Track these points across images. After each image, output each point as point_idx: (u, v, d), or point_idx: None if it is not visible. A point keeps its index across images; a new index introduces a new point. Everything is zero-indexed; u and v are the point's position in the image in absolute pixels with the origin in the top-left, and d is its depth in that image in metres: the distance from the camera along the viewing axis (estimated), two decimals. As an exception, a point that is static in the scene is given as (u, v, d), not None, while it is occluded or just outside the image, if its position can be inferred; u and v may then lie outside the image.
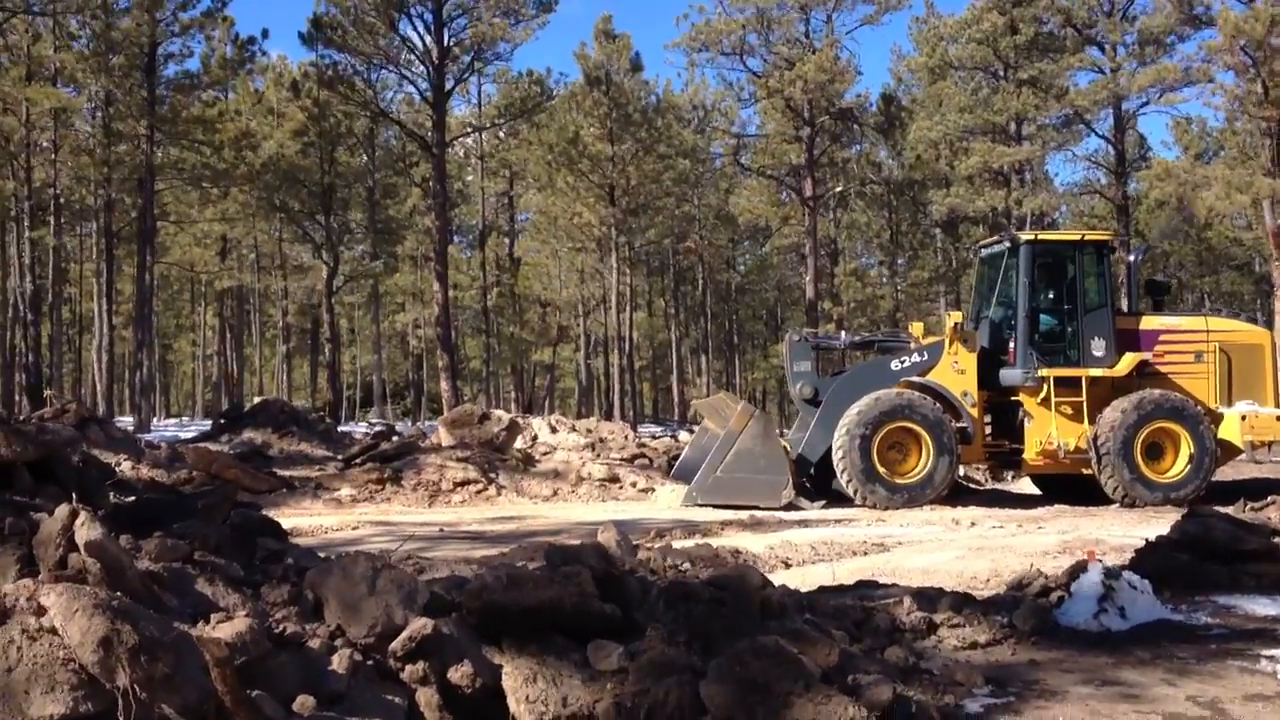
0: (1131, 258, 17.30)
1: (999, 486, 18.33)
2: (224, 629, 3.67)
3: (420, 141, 38.42)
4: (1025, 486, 17.76)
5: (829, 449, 15.19)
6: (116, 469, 14.07)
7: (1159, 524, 12.44)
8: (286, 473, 15.78)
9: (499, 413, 18.97)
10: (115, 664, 3.42)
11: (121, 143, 37.62)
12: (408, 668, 4.05)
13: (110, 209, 39.84)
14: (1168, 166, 31.52)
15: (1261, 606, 6.01)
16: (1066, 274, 15.99)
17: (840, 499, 15.13)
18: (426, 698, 4.00)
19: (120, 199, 40.37)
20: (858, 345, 18.16)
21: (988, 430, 16.11)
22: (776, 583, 8.16)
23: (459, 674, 4.06)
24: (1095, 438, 14.98)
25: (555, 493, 15.76)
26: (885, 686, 4.12)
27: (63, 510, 4.03)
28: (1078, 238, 16.54)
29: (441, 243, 35.97)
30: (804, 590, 6.22)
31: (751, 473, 14.79)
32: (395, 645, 4.04)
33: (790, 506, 14.51)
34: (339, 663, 3.92)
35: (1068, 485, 15.90)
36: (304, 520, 12.55)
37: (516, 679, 4.11)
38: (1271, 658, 4.97)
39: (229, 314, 59.60)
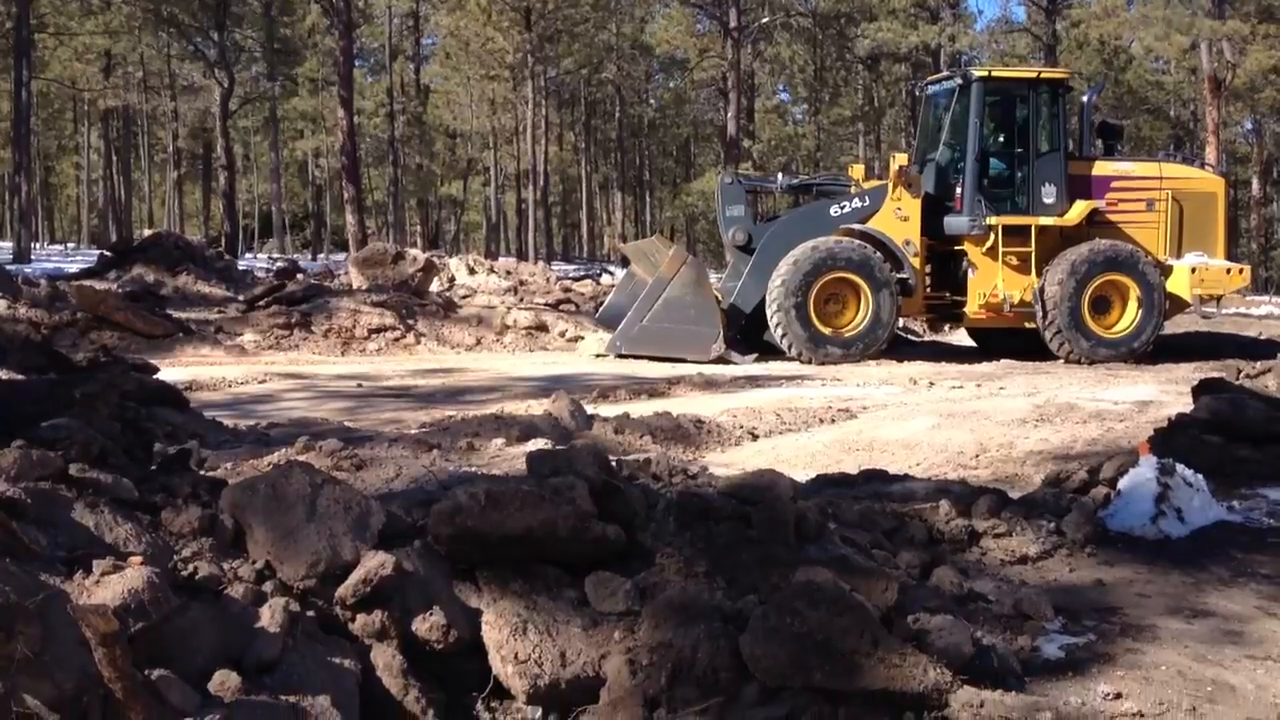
0: (1085, 97, 16.46)
1: (938, 339, 17.78)
2: (111, 586, 2.67)
3: (321, -47, 35.64)
4: (963, 338, 17.26)
5: (763, 299, 14.42)
6: (-11, 310, 12.70)
7: (1119, 383, 12.01)
8: (183, 315, 14.50)
9: (414, 252, 17.75)
10: (-47, 646, 2.42)
11: (-9, -56, 34.47)
12: (360, 618, 3.10)
13: (-19, 18, 36.74)
14: (1106, 4, 30.59)
15: (1317, 503, 5.37)
16: (1018, 115, 15.18)
17: (772, 350, 14.41)
18: (385, 658, 3.07)
19: (-7, 8, 37.28)
20: (795, 188, 17.19)
21: (928, 281, 15.42)
22: (746, 458, 7.41)
23: (427, 625, 3.13)
24: (1041, 304, 14.39)
25: (479, 341, 14.74)
26: (962, 636, 3.30)
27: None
28: (1033, 75, 15.74)
29: (346, 65, 33.71)
30: (802, 480, 5.40)
31: (680, 323, 13.96)
32: (344, 590, 3.08)
33: (720, 360, 13.76)
34: (270, 616, 2.94)
35: (1005, 337, 15.37)
36: (204, 371, 11.41)
37: (501, 629, 3.19)
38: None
39: (115, 136, 56.29)
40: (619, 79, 51.05)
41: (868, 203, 14.96)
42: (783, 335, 14.23)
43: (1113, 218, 15.06)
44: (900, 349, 15.37)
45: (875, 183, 15.51)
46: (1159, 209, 15.12)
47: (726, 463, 6.86)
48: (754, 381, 11.46)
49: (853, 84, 50.18)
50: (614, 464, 4.05)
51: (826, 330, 14.28)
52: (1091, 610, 3.96)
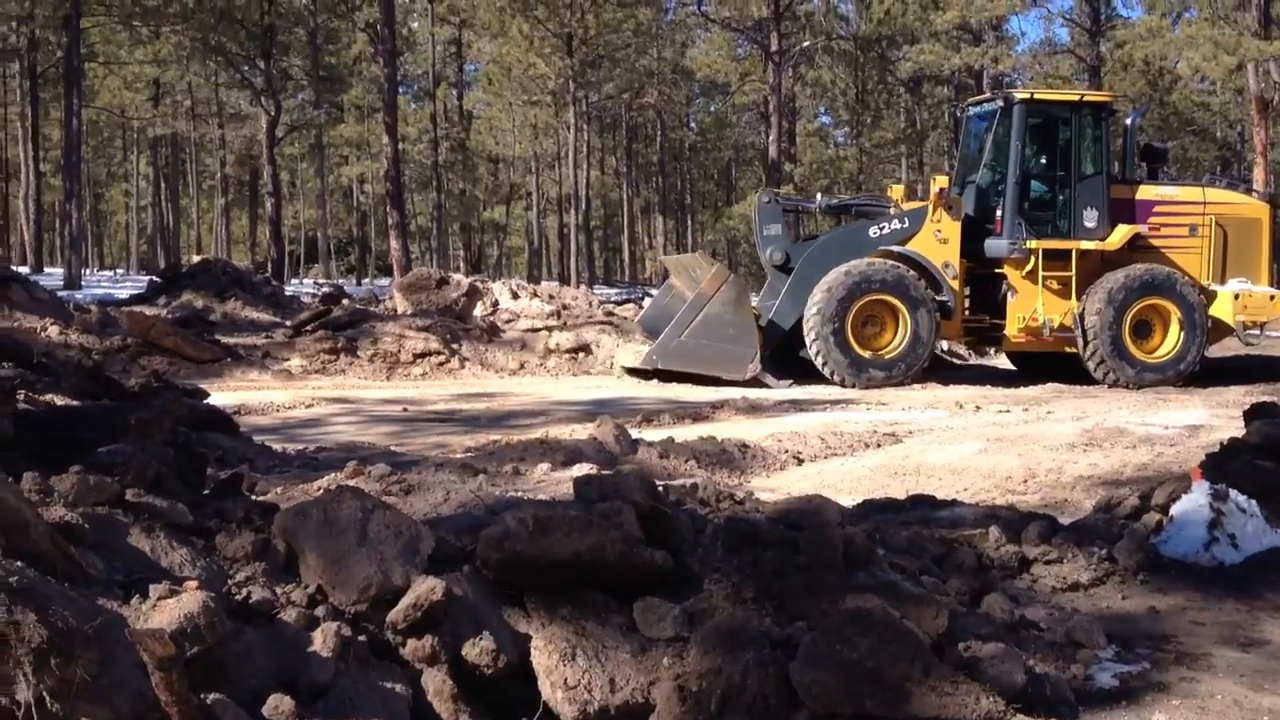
0: (1128, 120, 16.32)
1: (983, 362, 17.65)
2: (168, 611, 2.70)
3: (366, -18, 36.08)
4: (1007, 361, 17.12)
5: (799, 318, 14.39)
6: (41, 334, 12.92)
7: (1169, 407, 11.86)
8: (230, 340, 14.66)
9: (458, 277, 17.87)
10: (15, 669, 2.45)
11: (44, -24, 35.12)
12: (411, 643, 3.11)
13: (34, 48, 37.49)
14: (1151, 25, 30.34)
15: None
16: (1061, 138, 15.10)
17: (807, 370, 14.33)
18: (436, 683, 3.08)
19: (45, 38, 38.03)
20: (833, 209, 17.20)
21: (966, 304, 15.32)
22: (792, 483, 7.39)
23: (477, 650, 3.13)
24: (1082, 332, 14.29)
25: (522, 365, 14.81)
26: (1015, 664, 3.28)
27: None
28: (1076, 98, 15.64)
29: (390, 92, 34.04)
30: (849, 505, 5.38)
31: (719, 341, 13.92)
32: (395, 615, 3.10)
33: (756, 381, 13.70)
34: (322, 641, 2.96)
35: (1046, 361, 15.23)
36: (252, 395, 11.53)
37: (550, 655, 3.20)
38: None
39: (163, 163, 57.20)
40: (660, 103, 51.28)
41: (907, 224, 14.90)
42: (824, 363, 14.17)
43: (1155, 242, 14.94)
44: (945, 373, 15.28)
45: (915, 204, 15.43)
46: (1202, 234, 14.99)
47: (772, 488, 6.84)
48: (798, 405, 11.43)
49: (895, 107, 50.11)
50: (660, 489, 4.05)
51: (866, 354, 14.21)
52: (1145, 638, 3.91)
